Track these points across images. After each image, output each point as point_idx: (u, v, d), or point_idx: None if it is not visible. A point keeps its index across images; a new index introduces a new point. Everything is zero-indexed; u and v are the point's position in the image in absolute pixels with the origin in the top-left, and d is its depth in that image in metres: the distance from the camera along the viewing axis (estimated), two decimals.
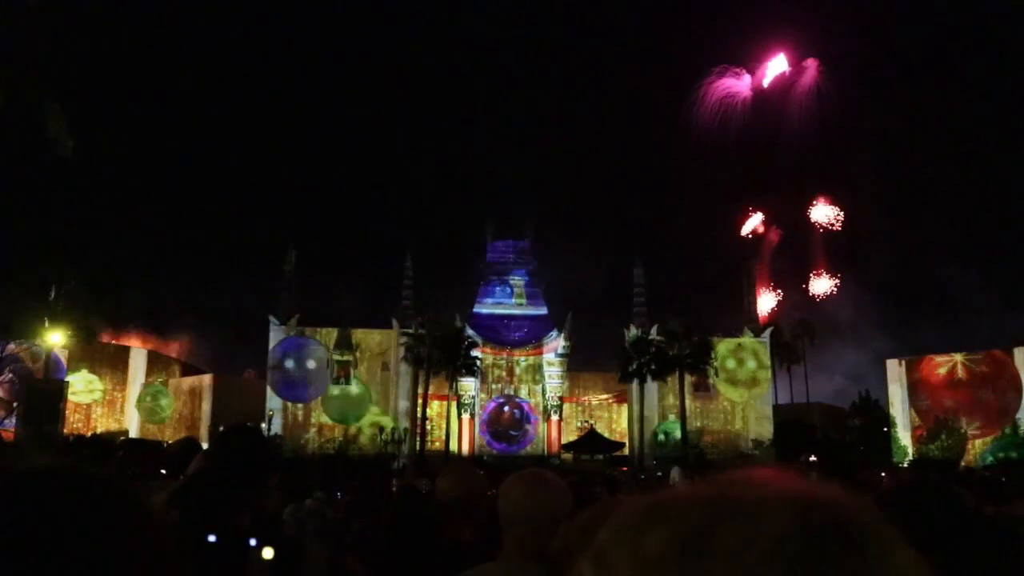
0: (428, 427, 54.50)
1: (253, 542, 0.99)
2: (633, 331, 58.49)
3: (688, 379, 55.08)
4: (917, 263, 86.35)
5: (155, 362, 63.72)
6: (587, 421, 58.97)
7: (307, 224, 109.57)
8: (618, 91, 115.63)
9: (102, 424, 58.78)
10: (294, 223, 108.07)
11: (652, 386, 56.48)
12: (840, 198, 79.32)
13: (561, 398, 59.43)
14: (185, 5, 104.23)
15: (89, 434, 52.48)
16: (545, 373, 59.64)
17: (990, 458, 51.59)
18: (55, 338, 52.44)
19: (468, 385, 57.45)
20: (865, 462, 44.21)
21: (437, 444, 55.13)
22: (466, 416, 57.88)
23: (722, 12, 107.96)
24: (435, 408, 56.28)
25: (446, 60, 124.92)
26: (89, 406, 59.50)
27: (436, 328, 53.48)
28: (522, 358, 60.38)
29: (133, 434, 56.96)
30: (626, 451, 55.60)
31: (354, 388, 57.34)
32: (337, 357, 57.43)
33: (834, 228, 79.20)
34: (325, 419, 56.75)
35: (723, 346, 59.10)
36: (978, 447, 56.08)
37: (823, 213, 79.46)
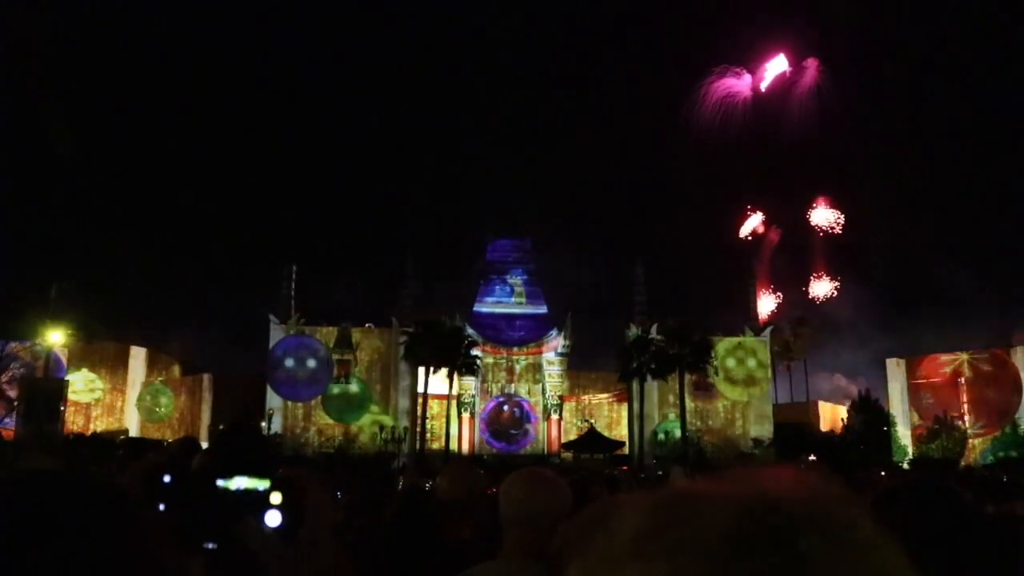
0: (428, 426, 54.50)
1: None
2: (633, 330, 58.49)
3: (688, 378, 55.09)
4: (916, 263, 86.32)
5: (155, 361, 63.73)
6: (587, 420, 58.95)
7: (307, 223, 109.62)
8: (618, 90, 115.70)
9: (102, 423, 58.79)
10: (294, 222, 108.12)
11: (652, 385, 56.48)
12: (840, 199, 79.32)
13: (561, 397, 59.44)
14: (187, 6, 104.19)
15: (89, 433, 52.47)
16: (545, 372, 59.65)
17: (990, 457, 51.64)
18: (55, 337, 52.52)
19: (468, 384, 57.45)
20: (865, 461, 44.23)
21: (437, 443, 55.13)
22: (466, 415, 57.89)
23: (722, 12, 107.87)
24: (435, 407, 56.28)
25: (446, 59, 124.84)
26: (89, 405, 59.50)
27: (436, 327, 53.47)
28: (522, 357, 60.38)
29: (133, 433, 56.97)
30: (626, 450, 55.59)
31: (354, 387, 57.36)
32: (337, 356, 57.45)
33: (834, 232, 79.14)
34: (325, 418, 56.77)
35: (723, 345, 59.13)
36: (978, 446, 56.10)
37: (823, 216, 79.41)
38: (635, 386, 56.11)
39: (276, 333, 57.41)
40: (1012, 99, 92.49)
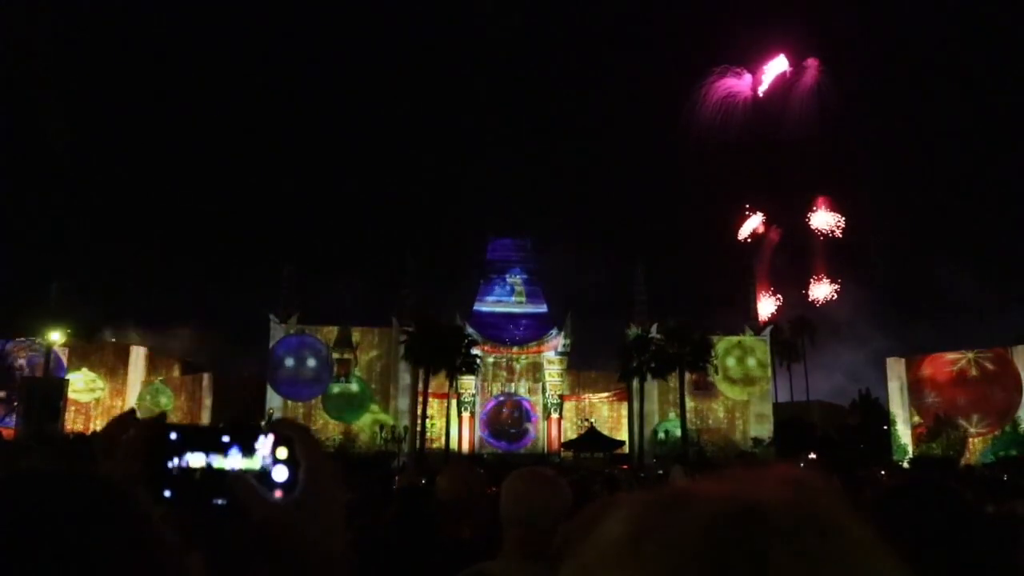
0: (428, 425, 54.52)
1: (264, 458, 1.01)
2: (633, 329, 58.52)
3: (688, 377, 55.10)
4: (916, 263, 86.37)
5: (155, 360, 63.74)
6: (587, 420, 58.97)
7: (307, 223, 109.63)
8: (619, 90, 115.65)
9: (102, 423, 58.70)
10: (294, 222, 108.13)
11: (652, 384, 56.50)
12: (840, 199, 79.20)
13: (561, 396, 59.44)
14: (188, 7, 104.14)
15: (89, 433, 52.50)
16: (545, 371, 59.66)
17: (990, 456, 51.61)
18: (55, 336, 52.57)
19: (468, 383, 57.47)
20: (865, 460, 44.23)
21: (437, 442, 55.15)
22: (466, 414, 57.91)
23: (722, 12, 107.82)
24: (435, 406, 56.29)
25: (446, 59, 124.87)
26: (89, 405, 59.52)
27: (436, 326, 53.48)
28: (522, 356, 60.38)
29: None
30: (626, 449, 55.61)
31: (354, 386, 57.38)
32: (337, 355, 57.46)
33: (834, 235, 78.99)
34: (325, 417, 56.77)
35: (723, 344, 59.15)
36: (978, 445, 56.09)
37: (823, 220, 79.25)
38: (635, 385, 56.13)
39: (276, 332, 57.42)
40: (1012, 99, 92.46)
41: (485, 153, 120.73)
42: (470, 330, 56.78)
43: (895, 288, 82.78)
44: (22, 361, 51.60)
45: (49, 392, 47.26)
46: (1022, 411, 55.65)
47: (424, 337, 52.95)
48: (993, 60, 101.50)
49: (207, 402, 58.95)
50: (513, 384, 60.23)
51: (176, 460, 0.99)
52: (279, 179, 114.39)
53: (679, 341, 53.67)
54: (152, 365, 63.26)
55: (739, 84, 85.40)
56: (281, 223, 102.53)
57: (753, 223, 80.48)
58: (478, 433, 58.46)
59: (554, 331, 60.09)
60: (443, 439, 55.04)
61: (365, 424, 56.81)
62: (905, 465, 48.61)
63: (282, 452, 0.98)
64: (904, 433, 59.01)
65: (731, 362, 59.51)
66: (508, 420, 59.81)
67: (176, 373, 64.32)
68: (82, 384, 57.75)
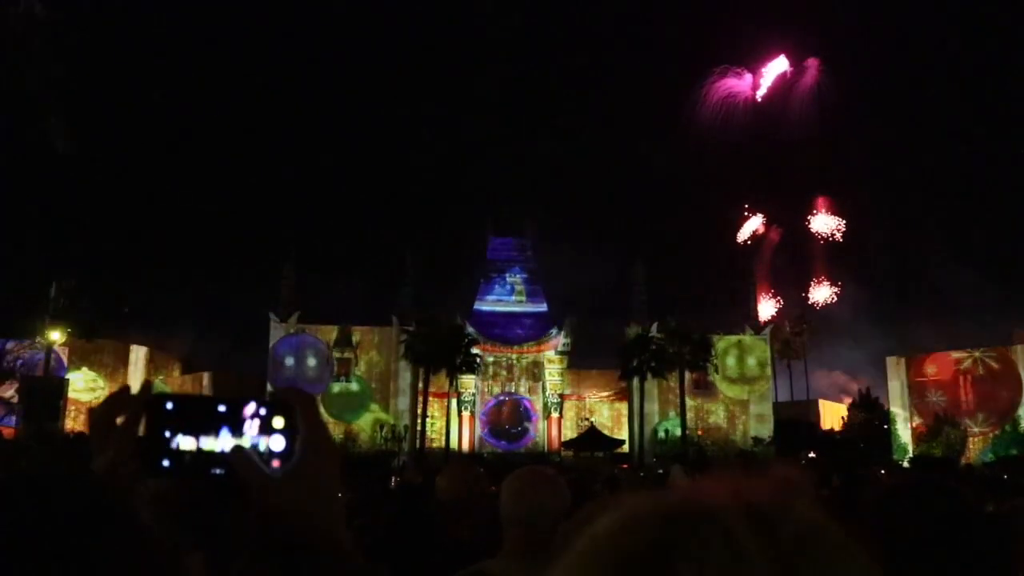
0: (428, 425, 54.54)
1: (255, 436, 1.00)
2: (633, 329, 58.56)
3: (688, 376, 55.15)
4: (916, 262, 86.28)
5: (155, 360, 63.74)
6: (587, 419, 58.99)
7: (307, 221, 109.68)
8: (619, 90, 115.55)
9: None
10: (295, 220, 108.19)
11: (652, 384, 56.53)
12: (840, 199, 79.16)
13: (561, 395, 59.47)
14: (187, 5, 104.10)
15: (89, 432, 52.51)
16: (545, 370, 59.69)
17: (990, 455, 51.61)
18: (55, 336, 52.54)
19: (468, 382, 57.48)
20: (865, 459, 44.21)
21: (437, 442, 55.18)
22: (466, 413, 57.93)
23: (723, 12, 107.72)
24: (435, 406, 56.31)
25: (446, 59, 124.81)
26: (89, 404, 59.50)
27: (436, 325, 53.50)
28: (522, 356, 60.40)
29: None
30: (626, 448, 55.63)
31: (354, 386, 57.42)
32: (337, 355, 57.50)
33: (834, 239, 78.94)
34: (326, 417, 56.74)
35: (723, 344, 59.17)
36: (979, 445, 56.11)
37: (823, 223, 79.21)
38: (635, 385, 56.16)
39: (276, 332, 57.46)
40: (1012, 99, 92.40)
41: (485, 153, 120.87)
42: (470, 329, 56.81)
43: (895, 287, 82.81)
44: (22, 360, 51.60)
45: (49, 391, 47.28)
46: (1022, 410, 55.69)
47: (424, 336, 52.98)
48: (993, 60, 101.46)
49: None
50: (513, 383, 60.25)
51: (168, 433, 0.99)
52: (279, 179, 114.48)
53: (679, 340, 53.72)
54: (152, 364, 63.24)
55: (739, 84, 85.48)
56: (281, 222, 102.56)
57: (753, 224, 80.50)
58: (478, 432, 58.48)
59: (554, 330, 60.11)
60: (443, 438, 55.09)
61: (365, 424, 56.84)
62: (905, 464, 48.58)
63: (278, 421, 0.98)
64: (904, 432, 59.03)
65: (731, 361, 59.54)
66: (508, 419, 59.83)
67: (176, 373, 64.34)
68: (82, 384, 57.74)
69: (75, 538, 0.80)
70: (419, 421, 54.49)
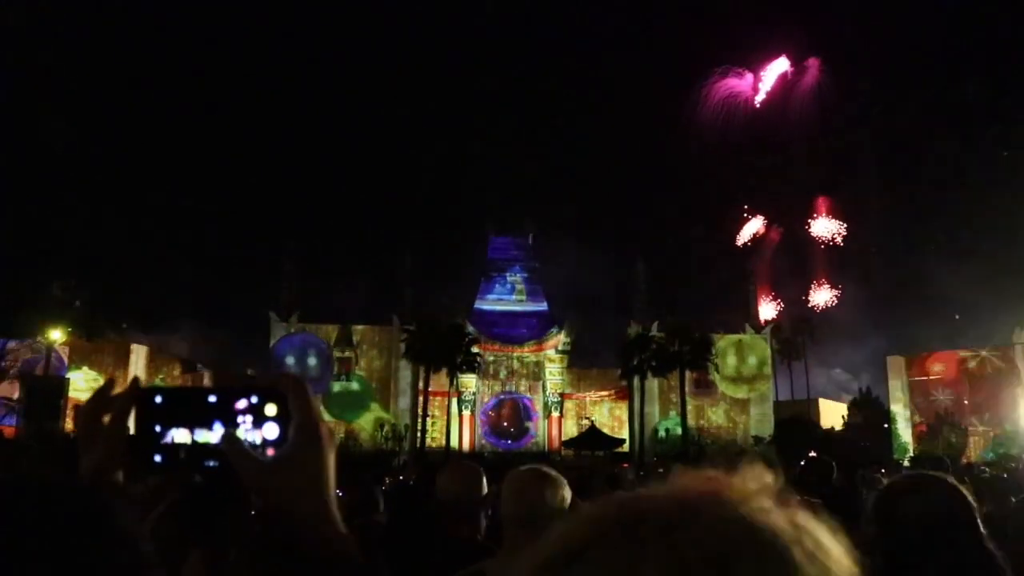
0: (428, 424, 54.56)
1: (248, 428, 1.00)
2: (634, 328, 58.56)
3: (689, 376, 55.15)
4: (916, 262, 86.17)
5: (156, 359, 63.74)
6: (588, 418, 58.99)
7: (308, 220, 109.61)
8: (620, 89, 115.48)
9: None
10: (295, 219, 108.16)
11: (653, 383, 56.56)
12: (841, 199, 79.04)
13: (562, 395, 59.47)
14: (189, 5, 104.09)
15: None
16: (546, 370, 59.69)
17: (991, 454, 51.61)
18: (55, 335, 52.59)
19: (469, 382, 57.49)
20: (865, 458, 44.16)
21: (438, 441, 55.19)
22: (467, 413, 57.94)
23: (723, 12, 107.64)
24: (436, 405, 56.32)
25: (446, 58, 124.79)
26: None
27: (436, 324, 53.52)
28: (523, 355, 60.41)
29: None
30: (626, 448, 55.62)
31: (355, 385, 57.44)
32: (338, 354, 57.52)
33: (835, 243, 78.78)
34: (326, 416, 56.82)
35: (723, 343, 59.18)
36: (979, 444, 56.13)
37: (824, 227, 79.04)
38: (636, 383, 56.17)
39: (277, 331, 57.48)
40: (1013, 98, 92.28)
41: (485, 152, 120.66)
42: (470, 329, 56.82)
43: (896, 286, 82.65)
44: (22, 360, 51.67)
45: (50, 391, 47.30)
46: (1022, 409, 55.72)
47: (425, 335, 52.99)
48: (993, 60, 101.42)
49: None
50: (513, 383, 60.26)
51: (159, 428, 0.98)
52: (280, 178, 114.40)
53: (680, 339, 53.72)
54: (153, 364, 63.22)
55: (740, 84, 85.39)
56: (282, 222, 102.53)
57: (753, 227, 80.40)
58: (479, 432, 58.49)
59: (555, 329, 60.11)
60: (444, 438, 55.10)
61: (366, 423, 56.86)
62: (906, 463, 48.57)
63: (271, 409, 0.98)
64: (905, 431, 59.04)
65: (731, 360, 59.54)
66: (508, 419, 59.85)
67: (177, 372, 64.30)
68: (83, 383, 57.74)
69: (57, 549, 0.78)
70: (420, 420, 54.50)
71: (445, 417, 56.08)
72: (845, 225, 78.29)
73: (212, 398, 0.99)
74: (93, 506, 0.83)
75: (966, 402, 56.97)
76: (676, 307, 58.59)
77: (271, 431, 0.96)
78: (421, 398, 54.47)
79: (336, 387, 56.79)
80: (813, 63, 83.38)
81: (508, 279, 64.03)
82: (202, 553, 1.01)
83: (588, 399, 61.67)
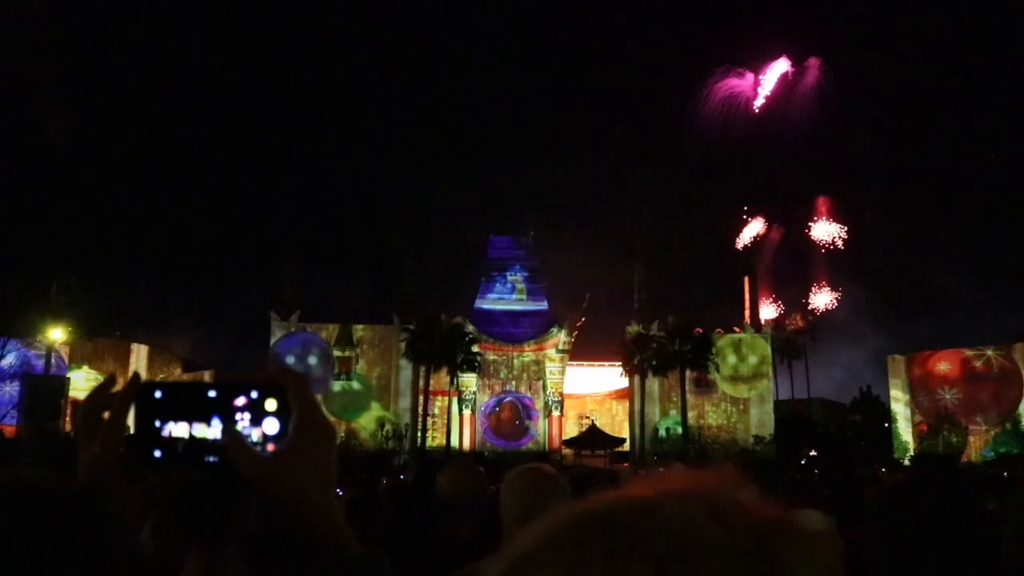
0: (429, 423, 54.55)
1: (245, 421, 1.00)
2: (634, 327, 58.54)
3: (689, 375, 55.11)
4: (917, 262, 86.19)
5: (157, 359, 63.76)
6: (588, 417, 58.98)
7: (308, 220, 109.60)
8: (620, 89, 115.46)
9: None
10: (295, 219, 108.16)
11: (653, 382, 56.52)
12: (842, 200, 78.85)
13: (562, 394, 59.45)
14: (187, 6, 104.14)
15: None
16: (546, 369, 59.67)
17: (991, 453, 51.64)
18: (56, 334, 52.58)
19: (469, 381, 57.48)
20: (866, 458, 44.24)
21: (438, 440, 55.19)
22: (467, 412, 57.92)
23: (724, 12, 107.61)
24: (436, 404, 56.32)
25: (446, 58, 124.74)
26: None
27: (437, 324, 53.50)
28: (523, 354, 60.39)
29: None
30: (627, 447, 55.62)
31: (355, 384, 57.42)
32: (338, 353, 57.50)
33: (835, 247, 78.56)
34: (326, 415, 56.79)
35: (724, 342, 59.15)
36: (979, 442, 56.12)
37: (824, 230, 78.86)
38: (636, 383, 56.15)
39: (278, 330, 57.48)
40: (1013, 98, 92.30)
41: (485, 151, 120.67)
42: (471, 328, 56.81)
43: (896, 286, 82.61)
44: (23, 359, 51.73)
45: (51, 390, 47.29)
46: (1022, 408, 55.69)
47: (425, 335, 52.98)
48: (994, 60, 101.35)
49: None
50: (514, 382, 60.26)
51: (159, 422, 0.98)
52: (280, 177, 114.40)
53: (680, 339, 53.69)
54: (153, 363, 63.25)
55: (742, 84, 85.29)
56: (282, 221, 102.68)
57: (754, 229, 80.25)
58: (479, 431, 58.48)
59: (555, 328, 60.10)
60: (444, 437, 55.09)
61: (367, 422, 56.85)
62: (906, 462, 48.59)
63: (271, 404, 0.98)
64: (905, 430, 59.02)
65: (732, 360, 59.52)
66: (509, 418, 59.84)
67: (178, 371, 64.34)
68: (83, 382, 57.75)
69: (51, 556, 0.77)
70: (420, 420, 54.49)
71: (445, 416, 56.06)
72: (845, 228, 78.20)
73: (212, 393, 0.99)
74: (89, 508, 0.83)
75: (976, 400, 56.83)
76: (676, 306, 58.52)
77: (271, 426, 0.96)
78: (421, 397, 54.46)
79: (337, 387, 56.79)
80: (814, 63, 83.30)
81: (508, 278, 64.01)
82: (201, 551, 1.01)
83: (588, 398, 61.69)
